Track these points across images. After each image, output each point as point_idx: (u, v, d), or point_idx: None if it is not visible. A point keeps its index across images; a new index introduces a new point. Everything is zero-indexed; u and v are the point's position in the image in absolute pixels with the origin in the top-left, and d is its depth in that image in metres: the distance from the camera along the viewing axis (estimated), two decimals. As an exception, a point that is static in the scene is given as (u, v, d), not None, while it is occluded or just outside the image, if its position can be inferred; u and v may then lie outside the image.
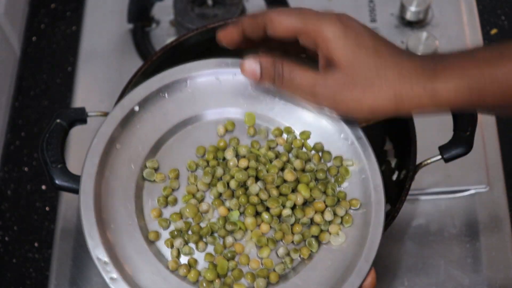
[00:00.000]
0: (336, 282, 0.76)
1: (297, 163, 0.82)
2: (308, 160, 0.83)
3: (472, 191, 1.17)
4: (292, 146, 0.84)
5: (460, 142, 0.96)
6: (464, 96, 0.73)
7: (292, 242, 0.79)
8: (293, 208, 0.80)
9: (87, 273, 1.13)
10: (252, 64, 0.79)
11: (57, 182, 0.97)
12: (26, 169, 1.30)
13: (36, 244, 1.23)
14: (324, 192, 0.81)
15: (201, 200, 0.81)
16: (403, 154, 1.03)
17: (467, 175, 1.17)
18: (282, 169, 0.82)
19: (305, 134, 0.84)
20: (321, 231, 0.79)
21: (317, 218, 0.79)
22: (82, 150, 1.25)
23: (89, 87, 1.29)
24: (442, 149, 0.96)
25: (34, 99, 1.37)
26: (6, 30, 1.36)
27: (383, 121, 1.08)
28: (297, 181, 0.81)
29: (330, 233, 0.79)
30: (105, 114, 1.04)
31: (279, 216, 0.79)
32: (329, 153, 0.84)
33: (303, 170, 0.82)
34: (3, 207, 1.27)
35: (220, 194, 0.81)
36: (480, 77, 0.72)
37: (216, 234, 0.79)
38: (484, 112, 0.77)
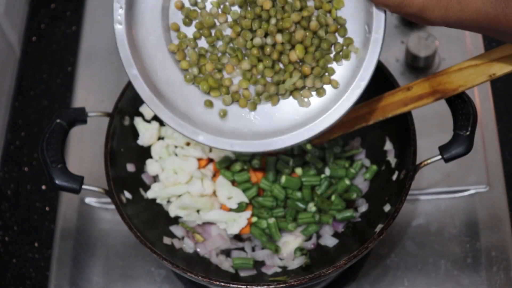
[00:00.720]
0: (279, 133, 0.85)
1: (313, 24, 0.85)
2: (325, 25, 0.86)
3: (472, 191, 1.17)
4: (321, 7, 0.87)
5: (460, 142, 0.96)
6: None
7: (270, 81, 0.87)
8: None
9: (87, 273, 1.13)
10: None
11: (57, 182, 0.97)
12: (26, 169, 1.30)
13: (36, 244, 1.23)
14: (317, 61, 0.86)
15: (220, 22, 0.88)
16: (403, 154, 1.03)
17: (467, 175, 1.17)
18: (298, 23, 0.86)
19: (339, 4, 0.86)
20: (295, 89, 0.87)
21: (297, 78, 0.86)
22: (82, 150, 1.26)
23: (89, 87, 1.29)
24: (442, 149, 0.96)
25: (34, 99, 1.36)
26: (6, 30, 1.36)
27: (383, 121, 1.08)
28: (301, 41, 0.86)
29: (301, 95, 0.87)
30: (105, 114, 1.05)
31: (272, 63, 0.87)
32: (345, 30, 0.86)
33: (314, 32, 0.86)
34: (3, 207, 1.26)
35: (236, 21, 0.86)
36: None
37: (218, 45, 0.88)
38: None
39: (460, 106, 0.97)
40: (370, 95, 1.10)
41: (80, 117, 1.02)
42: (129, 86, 1.05)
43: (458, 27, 0.79)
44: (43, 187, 1.28)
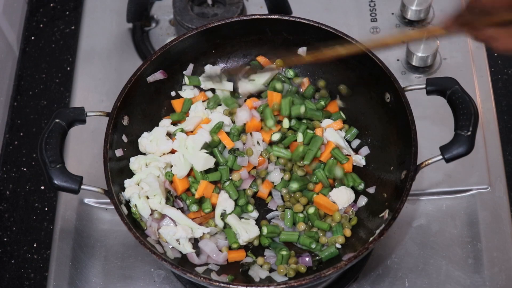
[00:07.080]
0: None
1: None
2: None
3: (473, 192, 1.16)
4: None
5: (461, 142, 0.95)
6: None
7: None
8: None
9: (86, 274, 1.13)
10: None
11: (56, 182, 0.97)
12: (24, 169, 1.29)
13: (35, 245, 1.23)
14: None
15: None
16: (403, 154, 1.03)
17: (468, 175, 1.17)
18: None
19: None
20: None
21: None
22: (81, 150, 1.25)
23: (88, 86, 1.29)
24: (443, 149, 0.96)
25: (32, 99, 1.36)
26: (5, 30, 1.36)
27: (384, 121, 1.08)
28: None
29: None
30: (105, 114, 1.04)
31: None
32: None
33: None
34: (1, 207, 1.26)
35: None
36: None
37: None
38: None
39: (461, 106, 0.96)
40: (371, 94, 1.10)
41: (79, 116, 1.02)
42: (128, 85, 1.05)
43: None
44: (42, 187, 1.27)
